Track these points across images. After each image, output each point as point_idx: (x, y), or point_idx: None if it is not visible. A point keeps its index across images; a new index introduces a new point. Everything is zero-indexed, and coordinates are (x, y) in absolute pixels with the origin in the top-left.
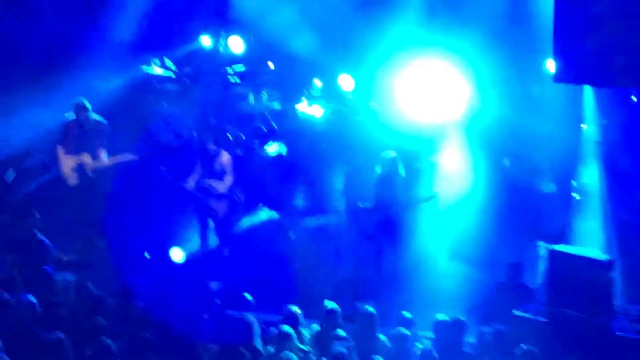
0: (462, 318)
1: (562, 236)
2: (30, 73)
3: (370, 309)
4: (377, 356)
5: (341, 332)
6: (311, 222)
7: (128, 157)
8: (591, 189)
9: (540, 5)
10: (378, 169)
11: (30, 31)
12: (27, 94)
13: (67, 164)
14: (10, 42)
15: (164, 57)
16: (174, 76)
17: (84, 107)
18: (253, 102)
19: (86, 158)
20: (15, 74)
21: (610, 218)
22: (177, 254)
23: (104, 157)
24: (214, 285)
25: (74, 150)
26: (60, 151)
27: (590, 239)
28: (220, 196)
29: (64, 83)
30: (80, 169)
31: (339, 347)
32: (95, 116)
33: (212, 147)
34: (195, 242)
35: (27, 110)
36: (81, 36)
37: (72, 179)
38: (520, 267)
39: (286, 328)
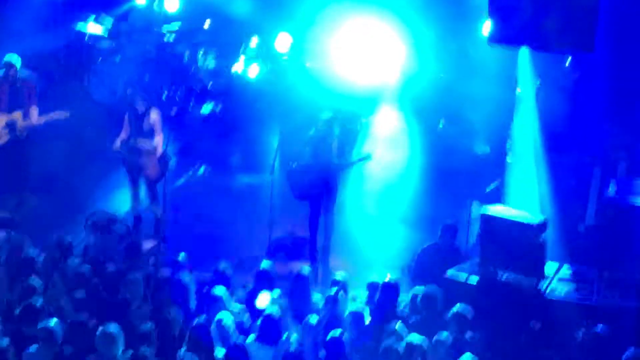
0: (395, 279)
1: (496, 198)
2: None
3: (305, 269)
4: (312, 315)
5: (275, 292)
6: (245, 180)
7: (61, 114)
8: (525, 151)
9: None
10: (313, 129)
11: None
12: None
13: None
14: None
15: (100, 13)
16: (107, 35)
17: (12, 64)
18: (188, 60)
19: (17, 116)
20: None
21: (544, 179)
22: (263, 300)
23: (35, 115)
24: (147, 244)
25: (5, 109)
26: None
27: (524, 201)
28: (149, 154)
29: None
30: (11, 127)
31: (271, 307)
32: (25, 73)
33: (141, 105)
34: (127, 202)
35: None
36: None
37: (2, 138)
38: (454, 228)
39: (217, 291)
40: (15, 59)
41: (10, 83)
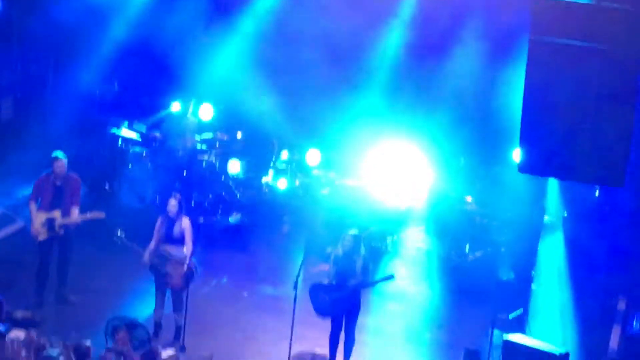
0: None
1: (519, 326)
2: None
3: None
4: None
5: None
6: (269, 292)
7: (97, 215)
8: (550, 279)
9: (508, 94)
10: (339, 246)
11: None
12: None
13: (38, 219)
14: None
15: (134, 120)
16: (141, 139)
17: (62, 161)
18: (218, 169)
19: (56, 214)
20: None
21: (568, 309)
22: None
23: (76, 214)
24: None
25: (47, 206)
26: (33, 207)
27: (546, 331)
28: (176, 263)
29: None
30: (50, 224)
31: None
32: (70, 172)
33: (172, 212)
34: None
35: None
36: (52, 91)
37: (42, 235)
38: (476, 355)
39: None
40: (62, 154)
41: (53, 181)
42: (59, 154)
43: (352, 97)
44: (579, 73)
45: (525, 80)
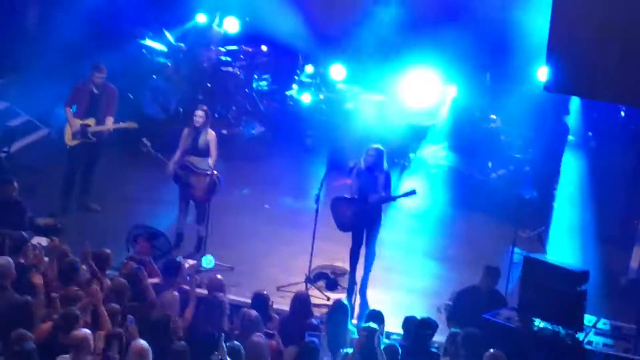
0: (432, 318)
1: (540, 244)
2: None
3: (344, 300)
4: (347, 348)
5: (312, 321)
6: (290, 205)
7: (129, 124)
8: (572, 198)
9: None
10: (361, 161)
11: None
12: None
13: (72, 125)
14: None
15: (163, 29)
16: (166, 50)
17: (102, 69)
18: (243, 81)
19: (90, 121)
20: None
21: (589, 228)
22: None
23: (110, 123)
24: (187, 262)
25: (82, 113)
26: (68, 112)
27: (567, 249)
28: (200, 174)
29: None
30: (83, 131)
31: (310, 337)
32: (108, 82)
33: (199, 122)
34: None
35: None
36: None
37: (73, 141)
38: (497, 272)
39: (253, 312)
40: (101, 65)
41: (90, 89)
42: (100, 63)
43: (377, 12)
44: None
45: None
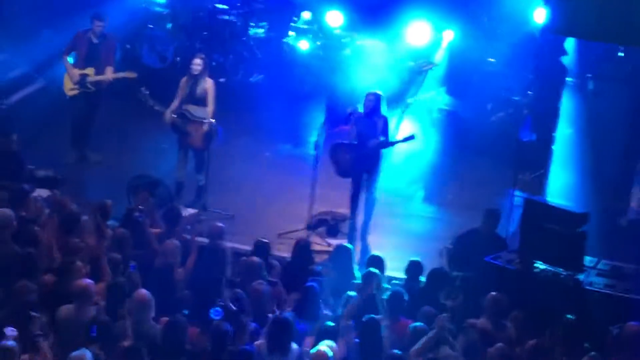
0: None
1: (540, 186)
2: None
3: (348, 244)
4: (351, 292)
5: (315, 267)
6: (289, 152)
7: (129, 74)
8: (572, 140)
9: None
10: (359, 107)
11: None
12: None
13: (71, 74)
14: None
15: None
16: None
17: (102, 18)
18: (239, 29)
19: (89, 71)
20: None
21: (588, 171)
22: None
23: (110, 73)
24: (187, 211)
25: (81, 63)
26: (67, 61)
27: (566, 191)
28: (198, 123)
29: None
30: (82, 81)
31: (311, 282)
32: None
33: (197, 70)
34: (174, 167)
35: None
36: None
37: (72, 91)
38: (497, 214)
39: (255, 259)
40: (102, 14)
41: (89, 38)
42: (100, 12)
43: None
44: None
45: None
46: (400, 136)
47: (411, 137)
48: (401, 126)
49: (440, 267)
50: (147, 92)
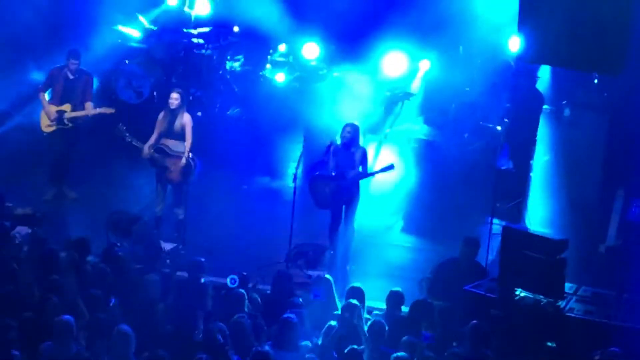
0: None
1: (517, 214)
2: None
3: (328, 276)
4: (333, 321)
5: (295, 299)
6: (267, 185)
7: (106, 110)
8: (549, 168)
9: None
10: (337, 138)
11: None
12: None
13: (48, 111)
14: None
15: (137, 14)
16: (140, 35)
17: (77, 56)
18: (215, 63)
19: (66, 107)
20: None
21: (567, 198)
22: None
23: (90, 108)
24: (166, 246)
25: (57, 100)
26: (43, 98)
27: (545, 219)
28: (176, 157)
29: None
30: (59, 117)
31: (289, 314)
32: (83, 68)
33: (174, 105)
34: (152, 202)
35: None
36: None
37: (49, 128)
38: (476, 243)
39: (237, 291)
40: (77, 52)
41: (65, 75)
42: (75, 50)
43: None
44: None
45: None
46: (379, 166)
47: (390, 167)
48: (379, 156)
49: (424, 299)
50: (125, 128)
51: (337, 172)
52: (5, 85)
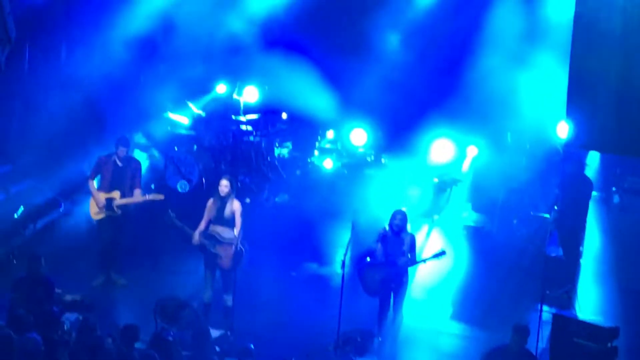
0: None
1: (567, 302)
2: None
3: None
4: None
5: None
6: (315, 271)
7: (157, 197)
8: (598, 256)
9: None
10: (386, 225)
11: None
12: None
13: (97, 199)
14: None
15: (187, 101)
16: (189, 122)
17: (127, 143)
18: (264, 150)
19: (115, 195)
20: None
21: (618, 285)
22: None
23: (138, 195)
24: (215, 332)
25: (106, 186)
26: (92, 185)
27: (594, 306)
28: (227, 244)
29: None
30: (108, 204)
31: None
32: (131, 154)
33: (224, 192)
34: (202, 289)
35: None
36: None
37: (98, 215)
38: (526, 330)
39: None
40: (126, 139)
41: (114, 162)
42: (124, 137)
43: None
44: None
45: (571, 50)
46: (429, 253)
47: (442, 253)
48: (428, 243)
49: None
50: (174, 215)
51: (387, 259)
52: (55, 173)
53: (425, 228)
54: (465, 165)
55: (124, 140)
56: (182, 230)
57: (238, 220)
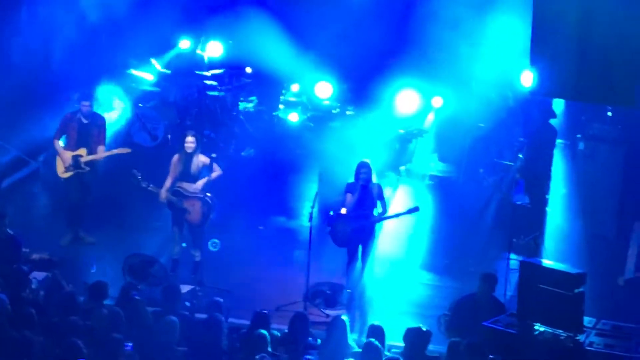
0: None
1: (534, 249)
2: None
3: (344, 316)
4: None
5: (311, 340)
6: (283, 225)
7: (122, 150)
8: (565, 201)
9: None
10: (354, 176)
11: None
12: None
13: (63, 157)
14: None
15: (150, 58)
16: (154, 78)
17: (89, 97)
18: (229, 104)
19: (82, 152)
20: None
21: (584, 232)
22: None
23: (102, 151)
24: (184, 287)
25: (73, 145)
26: (58, 145)
27: (561, 253)
28: (193, 199)
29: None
30: (75, 162)
31: (308, 356)
32: (95, 111)
33: (190, 148)
34: (170, 245)
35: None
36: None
37: (66, 173)
38: (494, 279)
39: (261, 331)
40: (88, 93)
41: (79, 119)
42: (86, 91)
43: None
44: None
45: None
46: (403, 208)
47: (415, 209)
48: (396, 194)
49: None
50: (139, 174)
51: (358, 211)
52: (20, 132)
53: (392, 179)
54: (431, 116)
55: (86, 95)
56: (148, 189)
57: (205, 175)
